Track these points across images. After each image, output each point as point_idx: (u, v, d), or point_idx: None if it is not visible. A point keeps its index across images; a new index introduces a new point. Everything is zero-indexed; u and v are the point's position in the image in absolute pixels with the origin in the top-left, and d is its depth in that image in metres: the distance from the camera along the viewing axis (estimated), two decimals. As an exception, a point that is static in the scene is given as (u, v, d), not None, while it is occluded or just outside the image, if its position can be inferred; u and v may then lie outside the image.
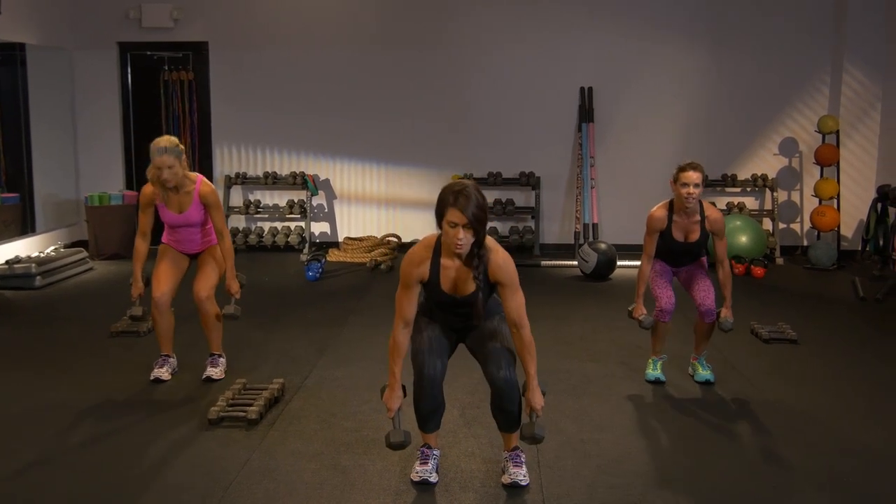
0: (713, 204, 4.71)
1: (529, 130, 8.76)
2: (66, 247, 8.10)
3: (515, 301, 3.18)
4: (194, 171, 5.48)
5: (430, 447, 3.39)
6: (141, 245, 4.58)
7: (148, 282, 4.63)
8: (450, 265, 3.21)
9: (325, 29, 8.82)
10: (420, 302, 3.37)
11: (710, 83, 8.74)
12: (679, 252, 4.55)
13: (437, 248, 3.22)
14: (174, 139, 4.40)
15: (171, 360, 4.67)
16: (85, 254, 7.84)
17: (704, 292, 4.51)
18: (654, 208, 4.52)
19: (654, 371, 4.64)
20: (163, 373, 4.57)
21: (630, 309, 4.63)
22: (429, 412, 3.32)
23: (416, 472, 3.33)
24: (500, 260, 3.17)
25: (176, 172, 4.36)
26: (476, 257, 3.15)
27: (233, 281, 4.60)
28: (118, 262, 8.23)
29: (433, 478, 3.33)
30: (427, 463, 3.35)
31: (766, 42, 8.64)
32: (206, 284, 4.55)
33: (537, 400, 3.24)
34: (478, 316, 3.24)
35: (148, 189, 4.49)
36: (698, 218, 4.45)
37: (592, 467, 3.50)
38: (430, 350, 3.26)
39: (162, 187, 4.43)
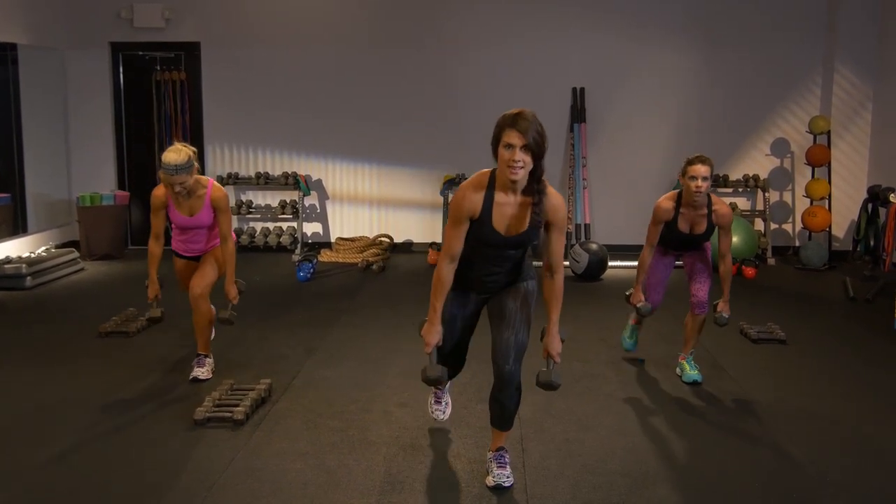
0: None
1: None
2: (57, 247, 8.09)
3: (560, 245, 3.19)
4: None
5: (440, 389, 3.82)
6: (154, 247, 4.57)
7: (163, 284, 4.64)
8: (504, 201, 3.07)
9: (317, 29, 8.82)
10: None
11: (701, 83, 8.75)
12: (682, 242, 4.55)
13: (491, 183, 3.09)
14: (185, 151, 4.27)
15: (209, 359, 4.65)
16: (76, 254, 7.82)
17: (700, 284, 4.55)
18: (662, 198, 4.50)
19: (629, 338, 4.87)
20: (202, 372, 4.56)
21: (628, 294, 4.66)
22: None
23: (433, 409, 3.80)
24: (558, 201, 3.14)
25: (187, 186, 4.34)
26: (536, 192, 3.06)
27: (231, 286, 4.59)
28: (109, 262, 8.23)
29: (444, 415, 3.81)
30: (440, 402, 3.80)
31: (758, 42, 8.65)
32: (202, 282, 4.55)
33: (555, 346, 3.24)
34: (524, 249, 3.23)
35: (159, 192, 4.47)
36: (705, 211, 4.42)
37: (577, 467, 3.51)
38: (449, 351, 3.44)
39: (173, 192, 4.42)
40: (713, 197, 4.46)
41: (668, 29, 8.68)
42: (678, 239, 4.52)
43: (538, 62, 8.73)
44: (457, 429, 3.91)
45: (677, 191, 4.49)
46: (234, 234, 4.66)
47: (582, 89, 8.73)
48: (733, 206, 8.67)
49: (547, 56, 8.73)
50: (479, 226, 3.12)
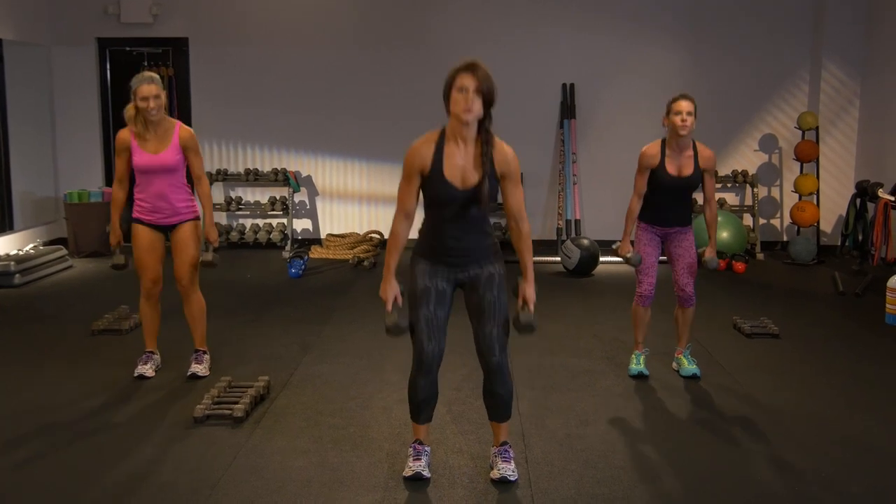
0: None
1: (511, 127, 8.60)
2: (45, 244, 8.02)
3: (517, 196, 3.25)
4: None
5: (421, 443, 3.38)
6: (118, 192, 4.47)
7: (128, 236, 4.47)
8: (455, 152, 3.16)
9: (307, 25, 8.78)
10: (420, 228, 3.28)
11: (690, 79, 8.76)
12: (672, 188, 4.44)
13: (441, 138, 3.19)
14: (156, 74, 4.34)
15: (155, 356, 4.63)
16: (64, 251, 7.75)
17: (687, 278, 4.50)
18: (647, 146, 4.51)
19: (637, 366, 4.65)
20: (146, 369, 4.53)
21: (615, 247, 4.64)
22: (423, 400, 3.30)
23: (409, 468, 3.32)
24: (508, 152, 3.21)
25: (161, 103, 4.28)
26: (484, 143, 3.16)
27: (211, 228, 4.53)
28: (98, 259, 8.15)
29: (426, 472, 3.32)
30: (420, 459, 3.33)
31: (746, 39, 8.70)
32: (185, 265, 4.43)
33: (530, 291, 3.26)
34: (483, 203, 3.20)
35: (123, 133, 4.37)
36: (691, 153, 4.43)
37: (580, 461, 3.52)
38: (429, 333, 3.20)
39: (142, 123, 4.30)
40: (697, 143, 4.47)
41: (658, 25, 8.70)
42: (668, 186, 4.42)
43: (528, 58, 8.73)
44: (458, 424, 3.91)
45: (661, 138, 4.50)
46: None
47: (572, 85, 8.74)
48: (722, 202, 8.72)
49: (537, 52, 8.73)
50: (434, 181, 3.16)
